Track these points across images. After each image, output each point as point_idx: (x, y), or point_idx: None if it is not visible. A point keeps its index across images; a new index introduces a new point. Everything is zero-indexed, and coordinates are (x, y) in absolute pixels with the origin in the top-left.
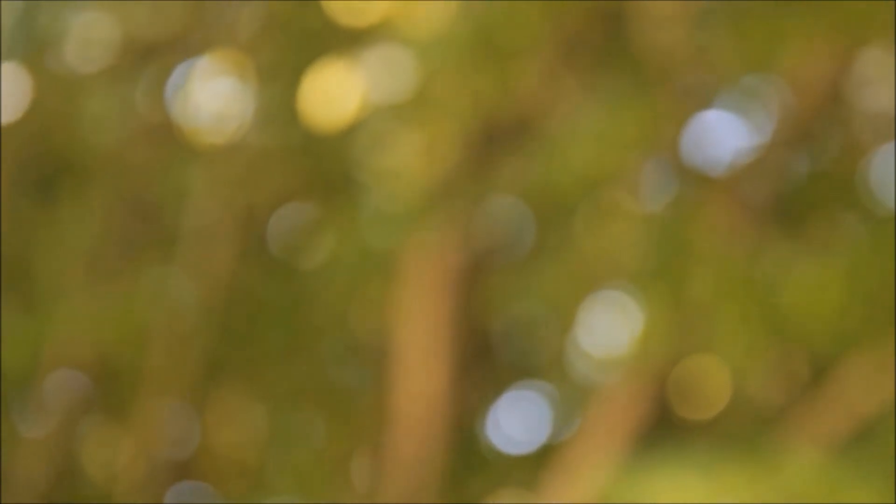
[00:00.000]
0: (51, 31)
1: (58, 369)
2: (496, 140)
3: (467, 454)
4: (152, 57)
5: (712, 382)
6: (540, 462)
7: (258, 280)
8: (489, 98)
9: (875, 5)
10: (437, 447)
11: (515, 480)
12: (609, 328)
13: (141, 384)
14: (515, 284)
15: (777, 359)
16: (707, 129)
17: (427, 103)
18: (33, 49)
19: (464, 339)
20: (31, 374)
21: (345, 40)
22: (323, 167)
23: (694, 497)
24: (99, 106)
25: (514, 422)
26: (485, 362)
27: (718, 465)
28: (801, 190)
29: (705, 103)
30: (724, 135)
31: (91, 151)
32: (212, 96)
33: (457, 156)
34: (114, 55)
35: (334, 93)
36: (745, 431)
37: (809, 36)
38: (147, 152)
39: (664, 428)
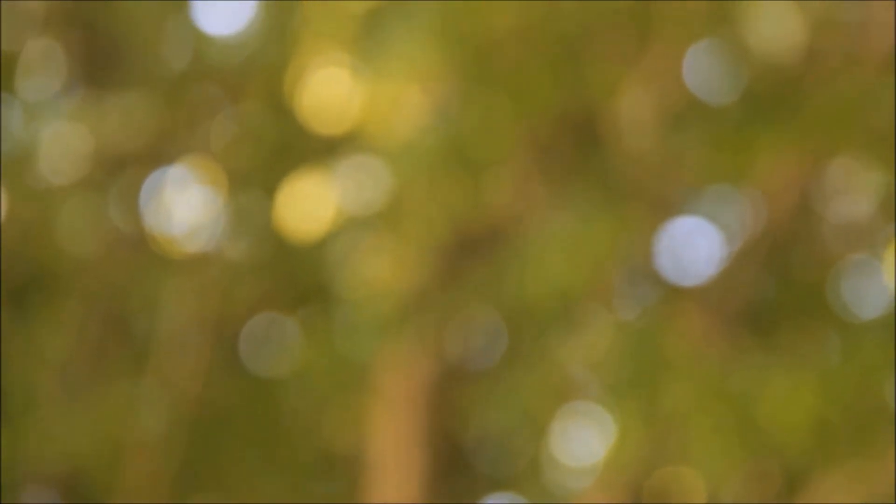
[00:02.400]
0: (24, 143)
1: (30, 485)
2: (469, 250)
3: None
4: (125, 166)
5: (687, 493)
6: None
7: (231, 391)
8: (461, 208)
9: (845, 116)
10: None
11: None
12: (583, 438)
13: (113, 498)
14: (489, 395)
15: (751, 469)
16: (679, 238)
17: (400, 213)
18: (7, 161)
19: (438, 449)
20: (5, 490)
21: (318, 150)
22: (296, 277)
23: None
24: (73, 217)
25: None
26: (459, 473)
27: None
28: (773, 299)
29: (677, 212)
30: (696, 243)
31: (65, 262)
32: (185, 206)
33: (429, 266)
34: (87, 166)
35: (307, 202)
36: None
37: (780, 145)
38: (120, 262)
39: None
